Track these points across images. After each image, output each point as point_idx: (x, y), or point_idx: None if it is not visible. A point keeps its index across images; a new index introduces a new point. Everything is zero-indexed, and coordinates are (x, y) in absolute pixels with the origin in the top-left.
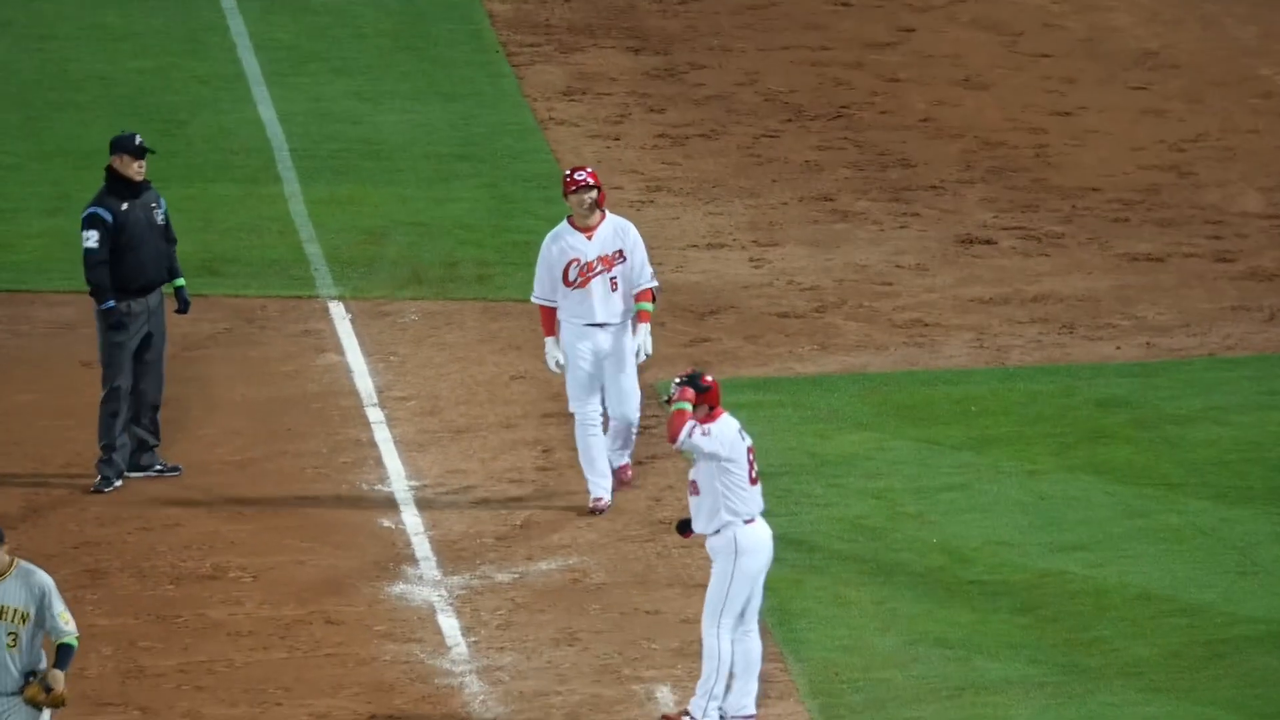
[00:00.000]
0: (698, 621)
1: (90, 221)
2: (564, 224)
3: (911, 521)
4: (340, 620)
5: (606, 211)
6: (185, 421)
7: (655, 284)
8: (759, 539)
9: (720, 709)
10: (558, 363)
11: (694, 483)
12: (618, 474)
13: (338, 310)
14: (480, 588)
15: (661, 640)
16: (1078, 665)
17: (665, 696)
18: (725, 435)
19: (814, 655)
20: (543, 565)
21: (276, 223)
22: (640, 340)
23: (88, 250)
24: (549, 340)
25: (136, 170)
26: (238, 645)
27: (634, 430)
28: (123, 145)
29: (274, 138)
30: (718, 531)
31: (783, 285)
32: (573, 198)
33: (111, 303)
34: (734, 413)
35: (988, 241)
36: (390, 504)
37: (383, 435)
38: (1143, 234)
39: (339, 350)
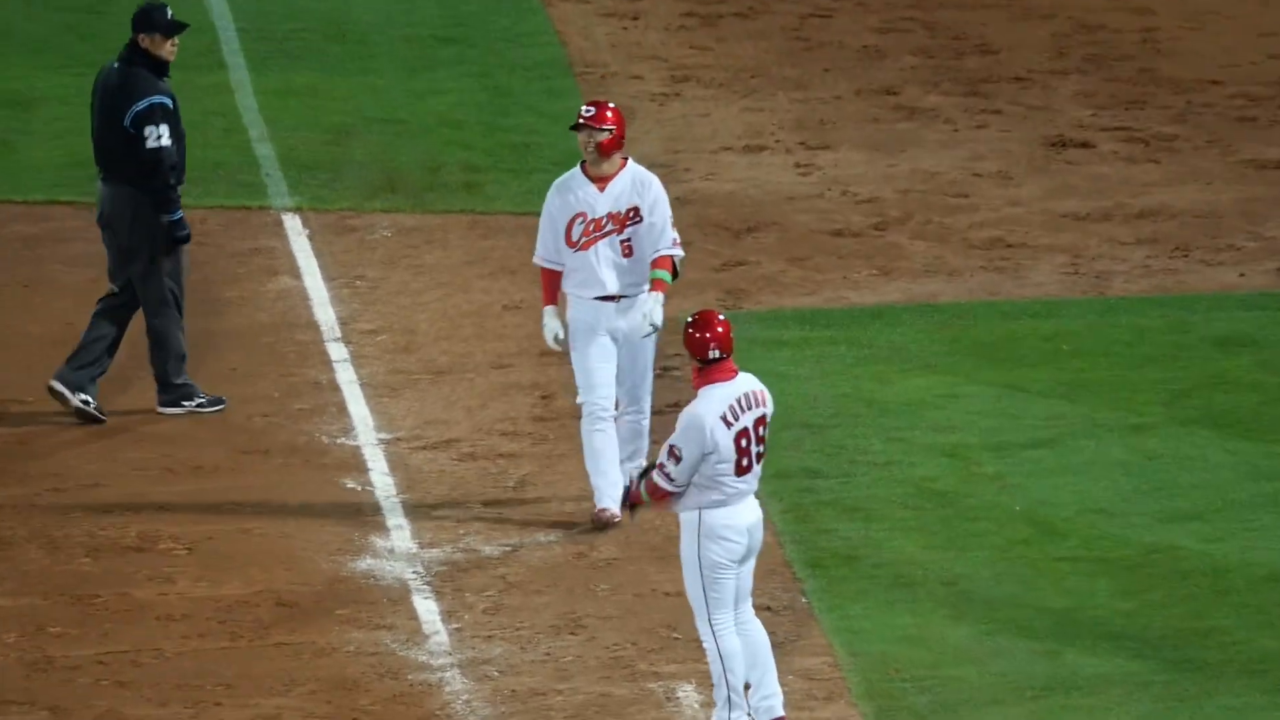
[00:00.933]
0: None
1: (156, 114)
2: (576, 170)
3: (990, 485)
4: (293, 602)
5: (628, 160)
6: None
7: (678, 252)
8: (733, 523)
9: (748, 715)
10: (556, 337)
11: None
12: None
13: (293, 224)
14: (465, 563)
15: (684, 628)
16: (1191, 660)
17: (689, 696)
18: (697, 438)
19: (870, 649)
20: (540, 537)
21: (220, 118)
22: (647, 309)
23: (162, 149)
24: (547, 310)
25: (170, 50)
26: (168, 632)
27: (645, 439)
28: (153, 22)
29: (218, 15)
30: (685, 510)
31: (835, 197)
32: (578, 136)
33: (182, 213)
34: (773, 354)
35: (1084, 144)
36: (355, 461)
37: (347, 376)
38: (1272, 136)
39: (294, 273)
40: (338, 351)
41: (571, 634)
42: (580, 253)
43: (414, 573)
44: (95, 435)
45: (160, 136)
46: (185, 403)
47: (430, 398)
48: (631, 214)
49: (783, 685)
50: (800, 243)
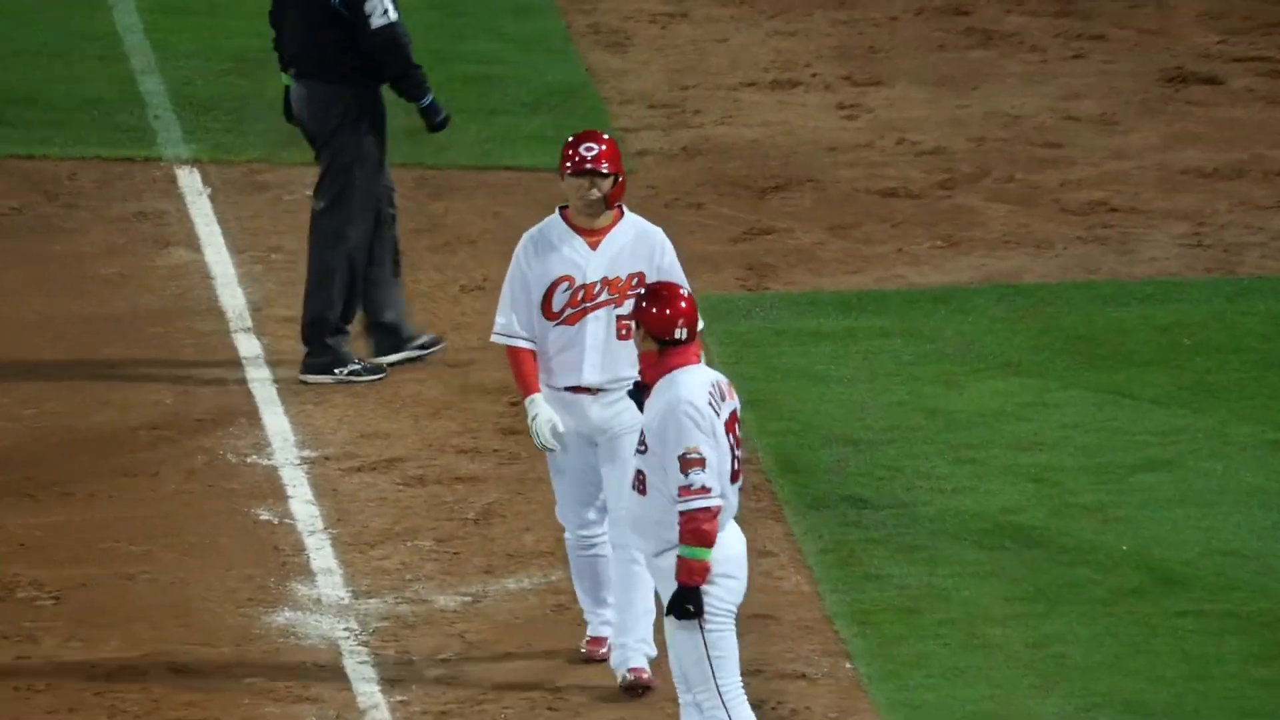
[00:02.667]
0: (761, 663)
1: None
2: (554, 218)
3: (1089, 519)
4: (191, 668)
5: (624, 209)
6: None
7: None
8: (731, 554)
9: None
10: (554, 429)
11: (640, 475)
12: (629, 679)
13: (190, 181)
14: (412, 618)
15: None
16: None
17: None
18: (701, 424)
19: None
20: (510, 583)
21: (93, 42)
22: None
23: (393, 25)
24: (533, 399)
25: None
26: (30, 706)
27: (646, 579)
28: None
29: None
30: (664, 552)
31: (889, 147)
32: (571, 182)
33: (433, 96)
34: (808, 349)
35: (1211, 80)
36: (271, 485)
37: (260, 376)
38: None
39: (192, 244)
40: (248, 345)
41: (551, 710)
42: (562, 328)
43: (346, 629)
44: None
45: (386, 10)
46: (337, 370)
47: (368, 404)
48: (635, 281)
49: None
50: (844, 206)
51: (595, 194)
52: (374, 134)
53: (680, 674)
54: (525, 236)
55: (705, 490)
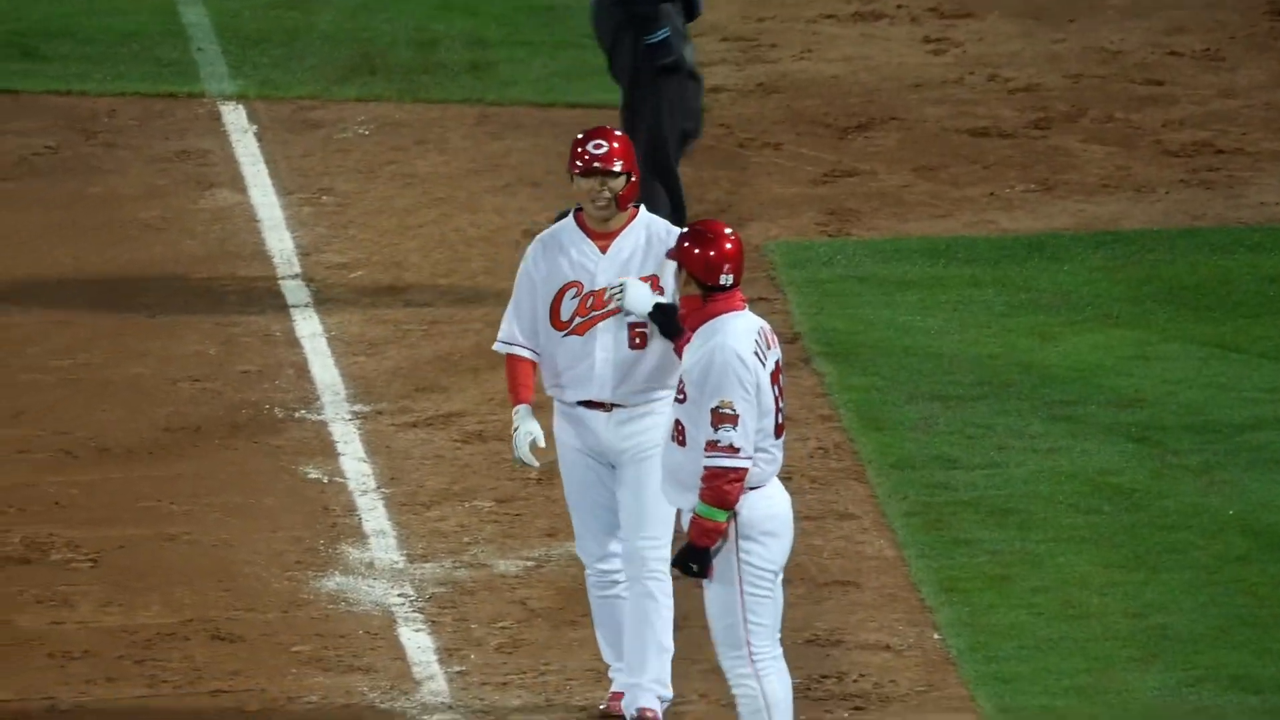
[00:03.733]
0: (842, 634)
1: None
2: (568, 220)
3: (1193, 480)
4: (235, 635)
5: (640, 208)
6: None
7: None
8: (775, 512)
9: None
10: (534, 443)
11: (679, 426)
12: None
13: (235, 118)
14: (470, 583)
15: None
16: None
17: None
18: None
19: (1026, 702)
20: (573, 547)
21: None
22: (630, 286)
23: None
24: (518, 410)
25: None
26: (66, 675)
27: (664, 623)
28: None
29: None
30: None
31: (979, 83)
32: (580, 183)
33: (667, 33)
34: (893, 298)
35: None
36: (320, 442)
37: (309, 328)
38: None
39: (237, 185)
40: (297, 293)
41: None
42: (571, 338)
43: (400, 595)
44: None
45: None
46: None
47: (423, 356)
48: (648, 285)
49: None
50: (931, 146)
51: (606, 195)
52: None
53: (715, 635)
54: (536, 239)
55: (733, 449)
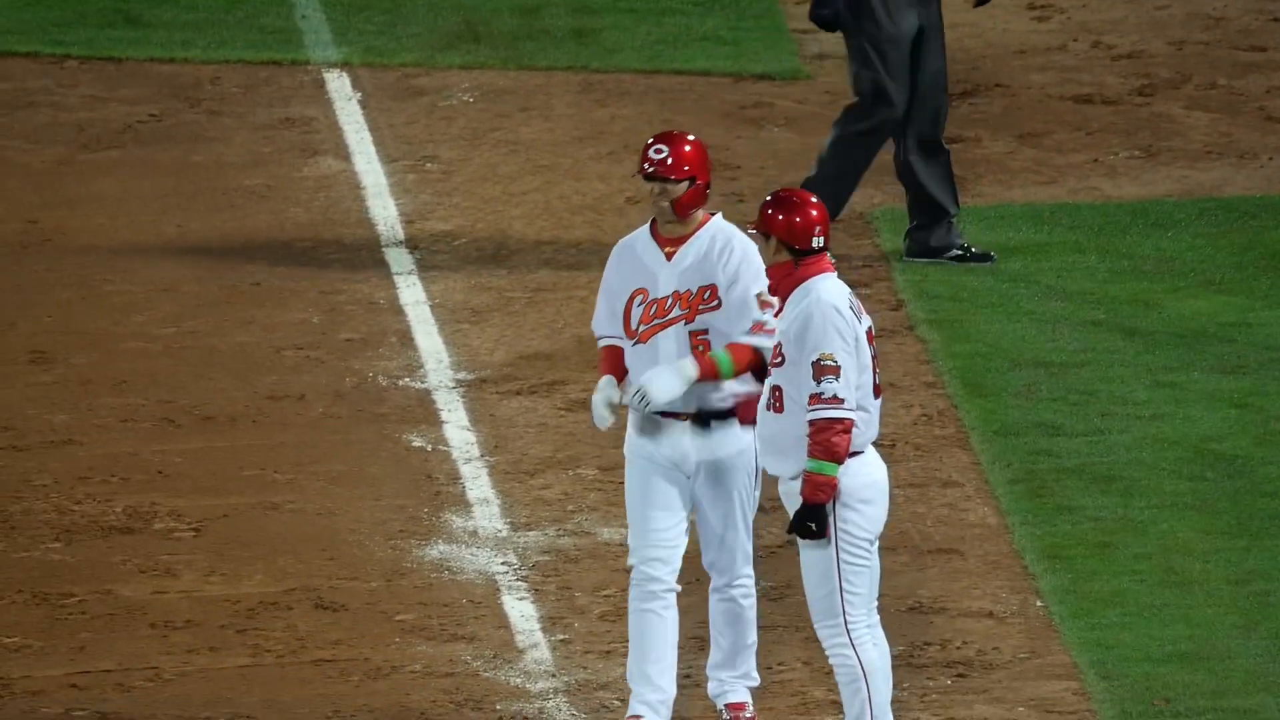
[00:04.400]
0: (945, 601)
1: None
2: (645, 226)
3: None
4: (339, 604)
5: (715, 215)
6: (85, 267)
7: (763, 341)
8: (874, 478)
9: None
10: (610, 403)
11: (776, 391)
12: (729, 715)
13: (339, 86)
14: (574, 551)
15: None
16: None
17: None
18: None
19: (1129, 669)
20: None
21: None
22: (650, 378)
23: None
24: (606, 379)
25: None
26: (168, 644)
27: (750, 628)
28: None
29: None
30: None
31: (1083, 50)
32: (644, 185)
33: None
34: (999, 263)
35: None
36: (424, 410)
37: (413, 295)
38: None
39: (341, 153)
40: (400, 261)
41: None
42: (639, 347)
43: (504, 564)
44: (63, 372)
45: None
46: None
47: (527, 324)
48: (706, 295)
49: (1011, 718)
50: (1034, 113)
51: (664, 201)
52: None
53: (812, 605)
54: (619, 244)
55: (838, 400)
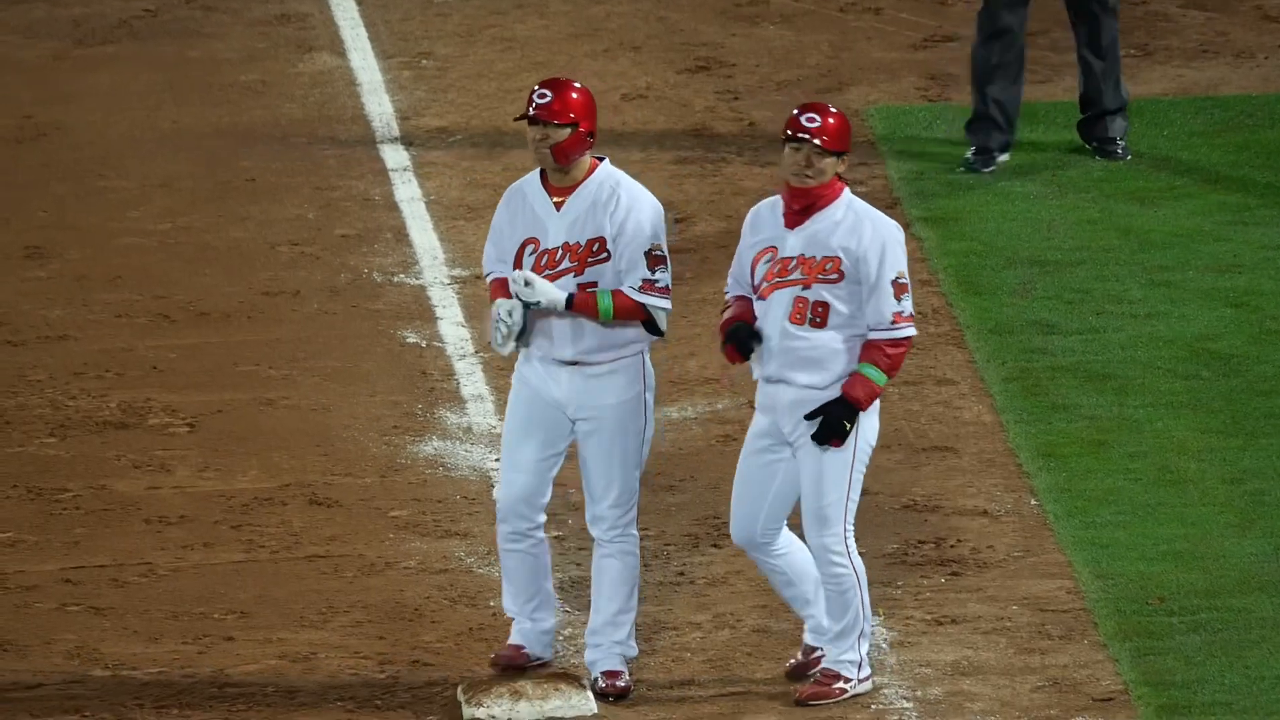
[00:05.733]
0: (940, 499)
1: None
2: (535, 172)
3: None
4: (333, 500)
5: (602, 161)
6: (80, 163)
7: (654, 300)
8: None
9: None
10: (502, 321)
11: (820, 307)
12: (604, 681)
13: None
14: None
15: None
16: None
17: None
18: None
19: (1124, 569)
20: (672, 412)
21: None
22: (531, 278)
23: None
24: (497, 302)
25: None
26: (162, 540)
27: (632, 581)
28: None
29: None
30: (833, 384)
31: None
32: (527, 129)
33: None
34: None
35: None
36: (419, 306)
37: (408, 192)
38: None
39: (336, 48)
40: (395, 157)
41: (715, 547)
42: None
43: (499, 460)
44: (58, 267)
45: None
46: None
47: None
48: (595, 247)
49: (1006, 618)
50: (1032, 11)
51: (544, 147)
52: None
53: (814, 513)
54: (509, 189)
55: (912, 318)
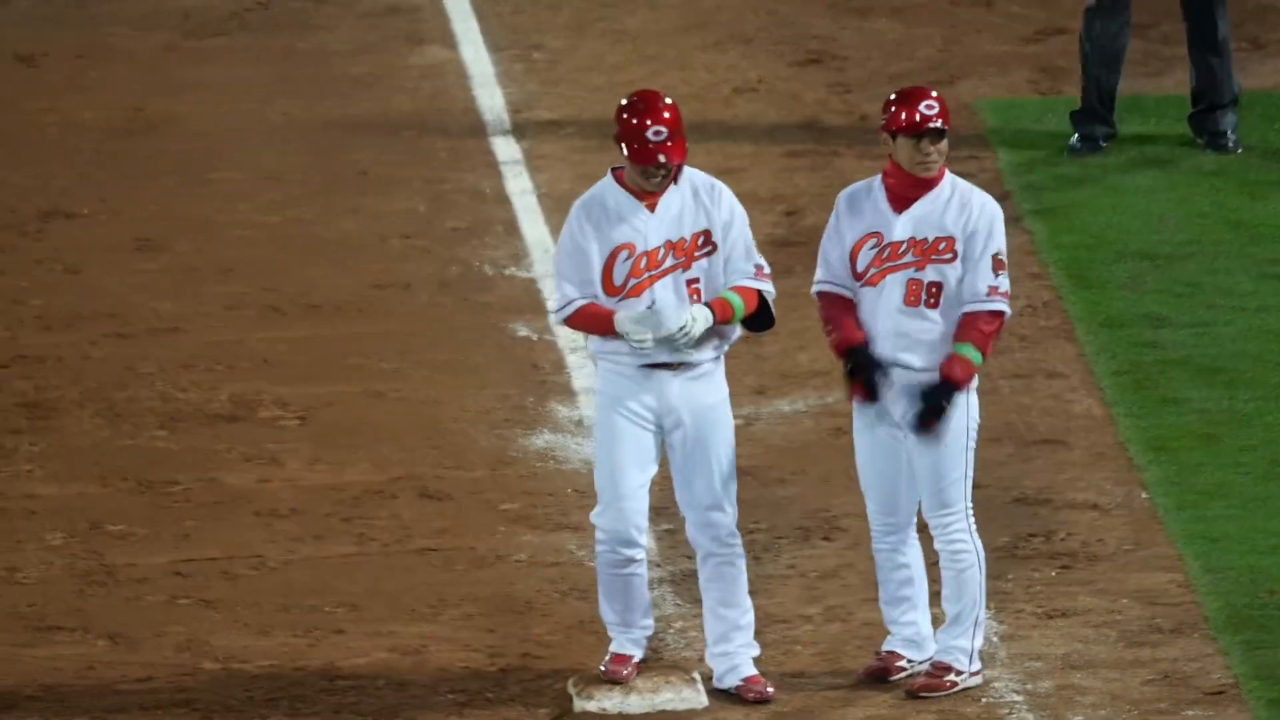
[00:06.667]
0: (1050, 493)
1: None
2: (607, 180)
3: None
4: (443, 493)
5: (684, 169)
6: (190, 155)
7: (765, 286)
8: None
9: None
10: (637, 320)
11: (935, 287)
12: (742, 688)
13: None
14: None
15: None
16: None
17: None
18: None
19: (1236, 562)
20: (783, 405)
21: None
22: (687, 312)
23: None
24: (618, 318)
25: None
26: (272, 533)
27: (742, 589)
28: None
29: None
30: (932, 369)
31: None
32: (631, 164)
33: None
34: (1105, 155)
35: None
36: (530, 299)
37: (520, 185)
38: None
39: (447, 41)
40: (507, 149)
41: (825, 540)
42: (628, 300)
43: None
44: (168, 259)
45: None
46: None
47: None
48: (701, 240)
49: (1116, 611)
50: (1143, 4)
51: (659, 174)
52: None
53: (935, 495)
54: (578, 203)
55: (1009, 295)
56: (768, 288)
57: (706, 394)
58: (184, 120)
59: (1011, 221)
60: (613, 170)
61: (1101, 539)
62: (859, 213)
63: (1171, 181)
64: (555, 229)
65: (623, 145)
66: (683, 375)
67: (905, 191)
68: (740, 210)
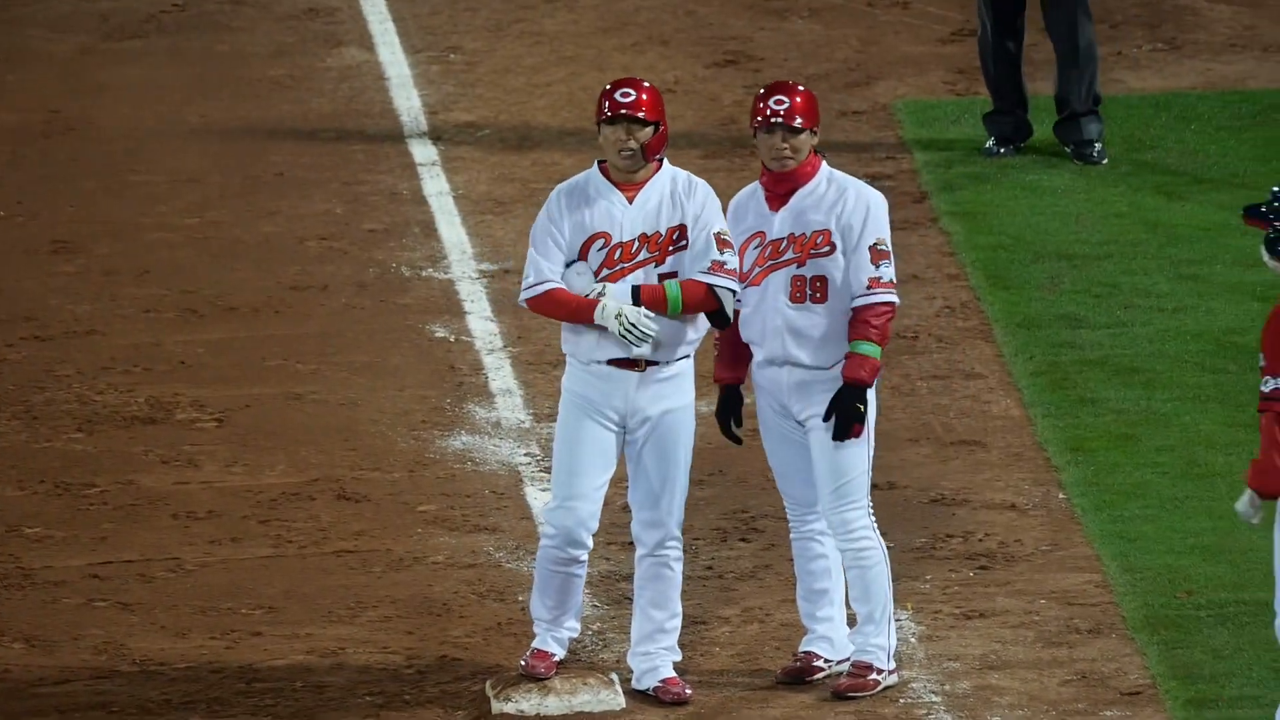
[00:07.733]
0: (968, 493)
1: None
2: (591, 171)
3: None
4: (361, 495)
5: (664, 161)
6: (108, 157)
7: (723, 282)
8: None
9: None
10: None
11: (819, 281)
12: (660, 690)
13: None
14: None
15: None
16: None
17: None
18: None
19: (1153, 562)
20: (703, 406)
21: None
22: (599, 287)
23: None
24: (599, 303)
25: None
26: (189, 535)
27: (675, 592)
28: None
29: None
30: (837, 363)
31: None
32: (607, 131)
33: None
34: (1022, 155)
35: None
36: (447, 300)
37: (436, 186)
38: None
39: (364, 43)
40: (424, 151)
41: (743, 541)
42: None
43: (527, 455)
44: (86, 262)
45: None
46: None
47: None
48: (675, 235)
49: (1034, 611)
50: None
51: (631, 144)
52: None
53: (834, 490)
54: (557, 189)
55: (893, 284)
56: (721, 282)
57: (672, 397)
58: (101, 123)
59: (929, 222)
60: (599, 162)
61: (1019, 539)
62: (743, 215)
63: (1088, 182)
64: (472, 231)
65: (598, 117)
66: (650, 376)
67: (778, 189)
68: (713, 206)
